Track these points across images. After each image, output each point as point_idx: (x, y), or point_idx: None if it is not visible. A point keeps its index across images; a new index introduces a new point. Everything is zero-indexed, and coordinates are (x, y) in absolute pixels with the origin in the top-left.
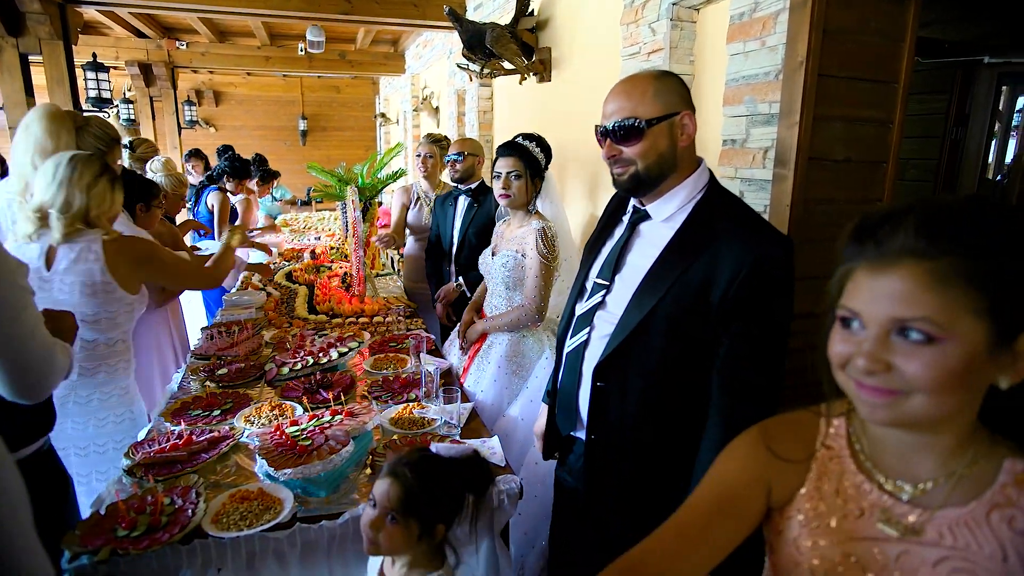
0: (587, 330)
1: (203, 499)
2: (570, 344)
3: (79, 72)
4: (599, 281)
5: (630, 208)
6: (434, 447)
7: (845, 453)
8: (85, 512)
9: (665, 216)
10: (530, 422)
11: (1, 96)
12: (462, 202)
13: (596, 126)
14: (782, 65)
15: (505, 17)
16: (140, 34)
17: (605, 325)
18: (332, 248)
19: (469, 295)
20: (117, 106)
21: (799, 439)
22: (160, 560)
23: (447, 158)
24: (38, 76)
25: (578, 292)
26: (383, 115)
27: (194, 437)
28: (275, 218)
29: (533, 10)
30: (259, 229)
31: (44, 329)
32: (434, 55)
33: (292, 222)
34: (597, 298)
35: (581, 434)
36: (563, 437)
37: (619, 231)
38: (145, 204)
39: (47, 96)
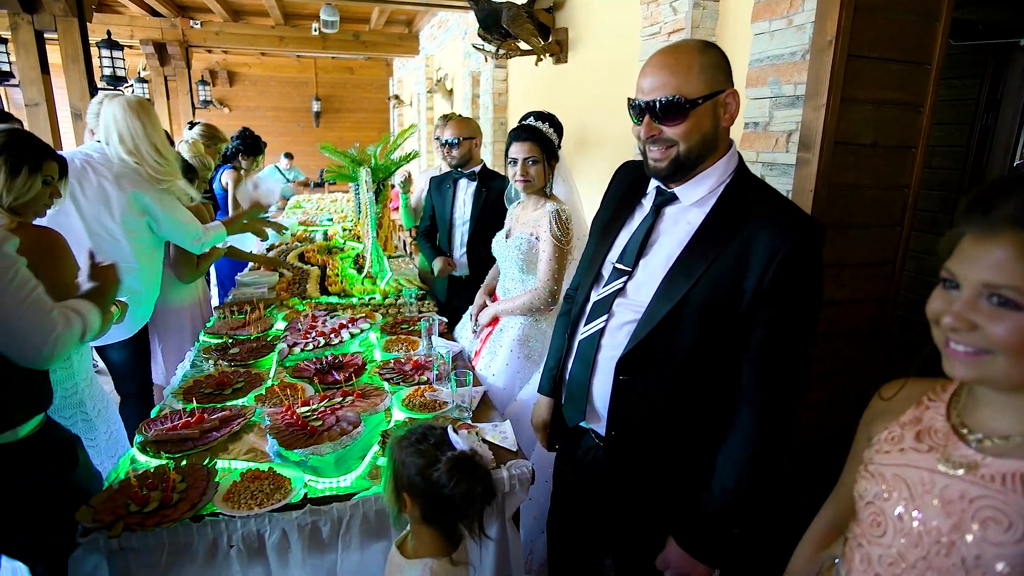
0: (604, 318)
1: (215, 477)
2: (584, 332)
3: (94, 50)
4: (619, 267)
5: (651, 190)
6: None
7: (942, 408)
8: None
9: (695, 200)
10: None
11: (17, 73)
12: (464, 186)
13: (630, 100)
14: (809, 45)
15: None
16: (155, 12)
17: (626, 313)
18: (345, 229)
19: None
20: (132, 85)
21: (910, 393)
22: (172, 536)
23: (442, 141)
24: (53, 54)
25: (594, 277)
26: (397, 97)
27: (206, 416)
28: (287, 199)
29: None
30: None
31: (41, 296)
32: (449, 36)
33: (305, 203)
34: (617, 284)
35: (595, 427)
36: (569, 428)
37: (640, 214)
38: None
39: (62, 74)
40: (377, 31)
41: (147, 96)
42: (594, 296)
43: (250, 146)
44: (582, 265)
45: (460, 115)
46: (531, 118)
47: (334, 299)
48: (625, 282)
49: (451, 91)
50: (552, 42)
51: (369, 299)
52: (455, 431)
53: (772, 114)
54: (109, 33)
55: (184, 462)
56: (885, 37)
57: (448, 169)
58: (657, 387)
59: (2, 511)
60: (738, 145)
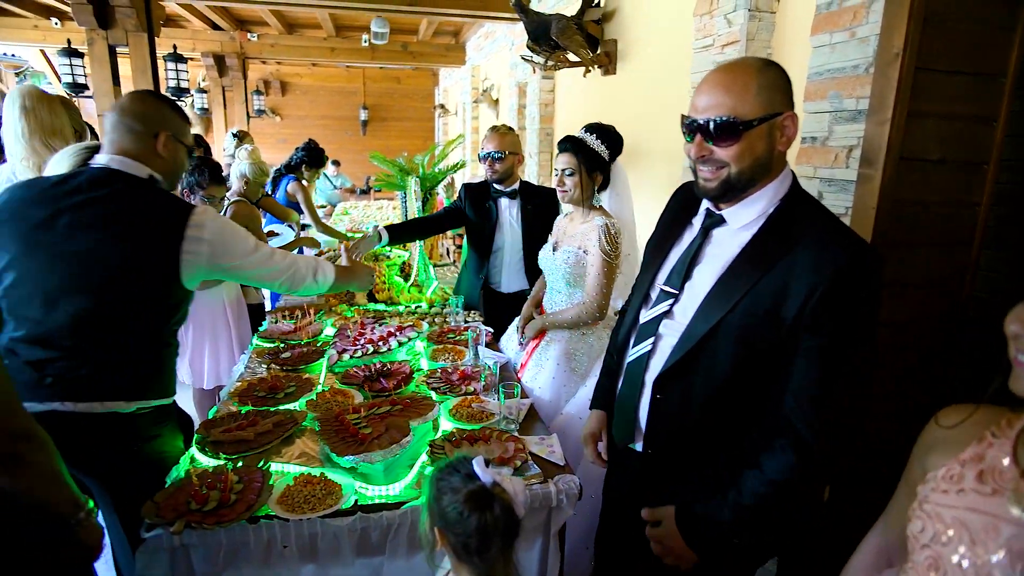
0: (652, 340)
1: (269, 480)
2: (633, 353)
3: (160, 63)
4: (666, 289)
5: (702, 211)
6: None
7: (1007, 447)
8: None
9: (743, 223)
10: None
11: (92, 85)
12: (507, 206)
13: (683, 117)
14: (873, 57)
15: (570, 8)
16: (215, 26)
17: (671, 336)
18: None
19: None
20: (192, 95)
21: (972, 425)
22: (229, 536)
23: (482, 154)
24: (123, 67)
25: (643, 298)
26: (442, 106)
27: (260, 419)
28: (334, 205)
29: (599, 1)
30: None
31: (281, 254)
32: (495, 47)
33: (352, 210)
34: (663, 307)
35: (638, 446)
36: (619, 448)
37: (688, 235)
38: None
39: (132, 85)
40: (425, 42)
41: (206, 105)
42: (643, 318)
43: (314, 158)
44: (634, 286)
45: (506, 127)
46: (583, 129)
47: (381, 306)
48: (672, 304)
49: (497, 101)
50: (601, 53)
51: (416, 307)
52: (487, 464)
53: (832, 129)
54: (175, 47)
55: (240, 463)
56: (955, 48)
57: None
58: (692, 407)
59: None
60: (794, 160)
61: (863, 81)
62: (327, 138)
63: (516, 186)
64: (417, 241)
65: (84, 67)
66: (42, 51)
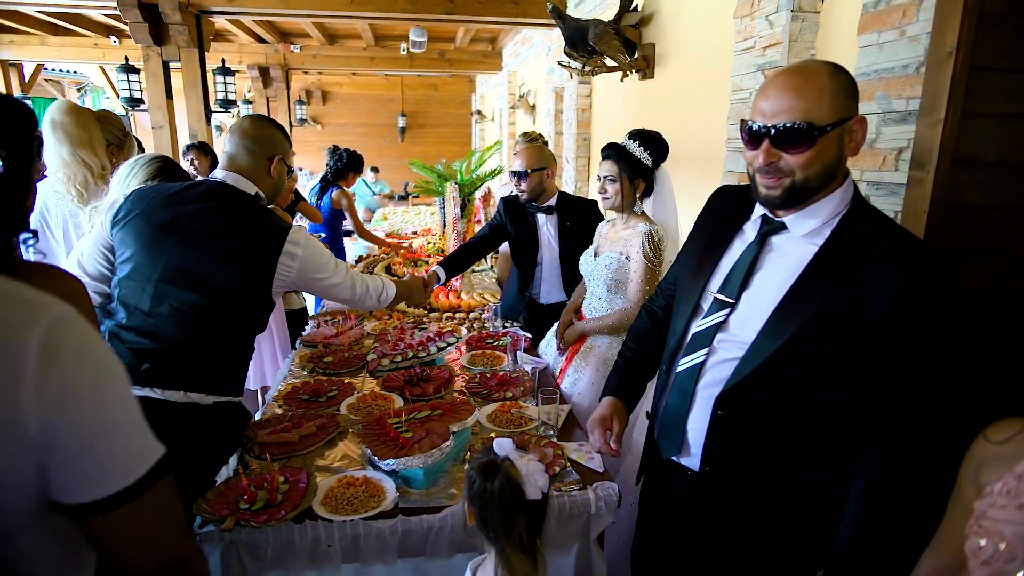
0: (705, 351)
1: (313, 481)
2: (683, 364)
3: (210, 76)
4: (721, 298)
5: (756, 216)
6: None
7: None
8: None
9: (807, 231)
10: (627, 428)
11: (147, 98)
12: (543, 222)
13: (744, 122)
14: (924, 56)
15: (607, 13)
16: (260, 39)
17: (729, 348)
18: (429, 243)
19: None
20: (239, 106)
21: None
22: (276, 534)
23: (510, 171)
24: (176, 80)
25: (693, 307)
26: (479, 112)
27: (304, 422)
28: (373, 211)
29: (637, 5)
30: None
31: (354, 274)
32: (532, 53)
33: (390, 215)
34: (718, 317)
35: (687, 461)
36: (661, 460)
37: (740, 242)
38: None
39: (183, 98)
40: (462, 49)
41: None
42: (694, 328)
43: (354, 164)
44: (680, 288)
45: (533, 139)
46: (627, 135)
47: (420, 311)
48: (727, 314)
49: (533, 106)
50: (638, 58)
51: (454, 312)
52: (516, 447)
53: (880, 131)
54: (223, 61)
55: (281, 465)
56: (1013, 46)
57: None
58: (758, 425)
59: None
60: None
61: (913, 81)
62: (366, 145)
63: (552, 201)
64: (453, 246)
65: (140, 82)
66: (101, 68)
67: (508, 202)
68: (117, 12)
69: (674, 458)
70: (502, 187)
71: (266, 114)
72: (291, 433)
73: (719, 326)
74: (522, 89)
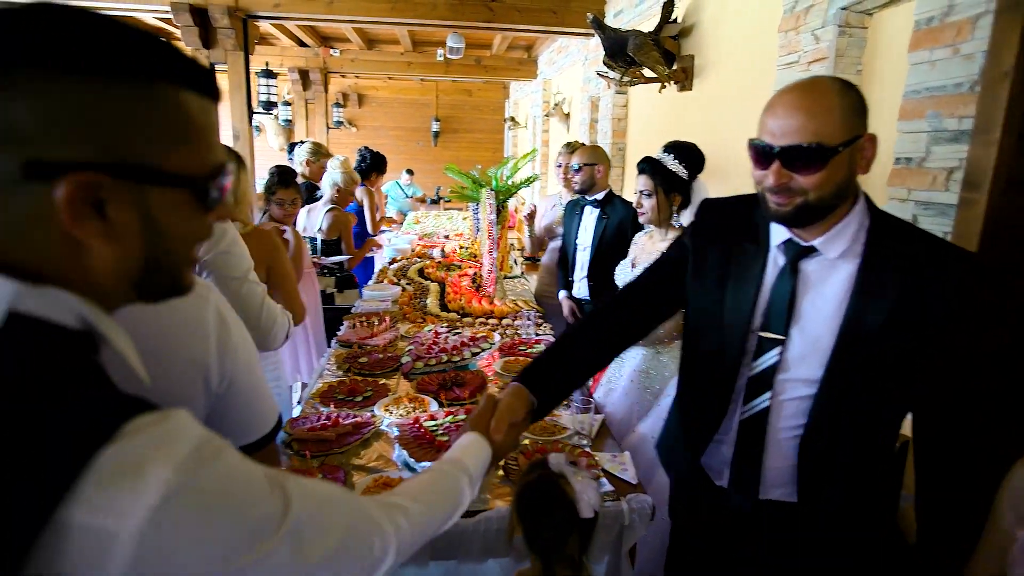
0: (767, 395)
1: (350, 480)
2: (745, 411)
3: (253, 78)
4: (768, 336)
5: (776, 242)
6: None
7: None
8: None
9: (839, 252)
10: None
11: None
12: (589, 212)
13: (752, 142)
14: (979, 76)
15: (646, 24)
16: (301, 43)
17: (795, 387)
18: (461, 247)
19: None
20: (278, 108)
21: None
22: None
23: (571, 167)
24: (220, 82)
25: (738, 349)
26: (512, 119)
27: (340, 420)
28: (405, 214)
29: (677, 17)
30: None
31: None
32: (568, 61)
33: (423, 219)
34: (772, 357)
35: (769, 495)
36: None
37: (761, 267)
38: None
39: (228, 100)
40: (498, 56)
41: (290, 117)
42: (747, 372)
43: (379, 164)
44: (702, 318)
45: (583, 143)
46: (663, 148)
47: (453, 316)
48: (780, 352)
49: (568, 115)
50: (677, 69)
51: (487, 318)
52: (569, 462)
53: (930, 150)
54: (267, 64)
55: (320, 463)
56: None
57: (567, 193)
58: (843, 455)
59: None
60: (888, 181)
61: (966, 100)
62: (399, 148)
63: (600, 196)
64: (489, 252)
65: None
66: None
67: (568, 204)
68: (168, 16)
69: (742, 494)
70: (544, 199)
71: (304, 116)
72: (328, 431)
73: (776, 366)
74: (557, 97)
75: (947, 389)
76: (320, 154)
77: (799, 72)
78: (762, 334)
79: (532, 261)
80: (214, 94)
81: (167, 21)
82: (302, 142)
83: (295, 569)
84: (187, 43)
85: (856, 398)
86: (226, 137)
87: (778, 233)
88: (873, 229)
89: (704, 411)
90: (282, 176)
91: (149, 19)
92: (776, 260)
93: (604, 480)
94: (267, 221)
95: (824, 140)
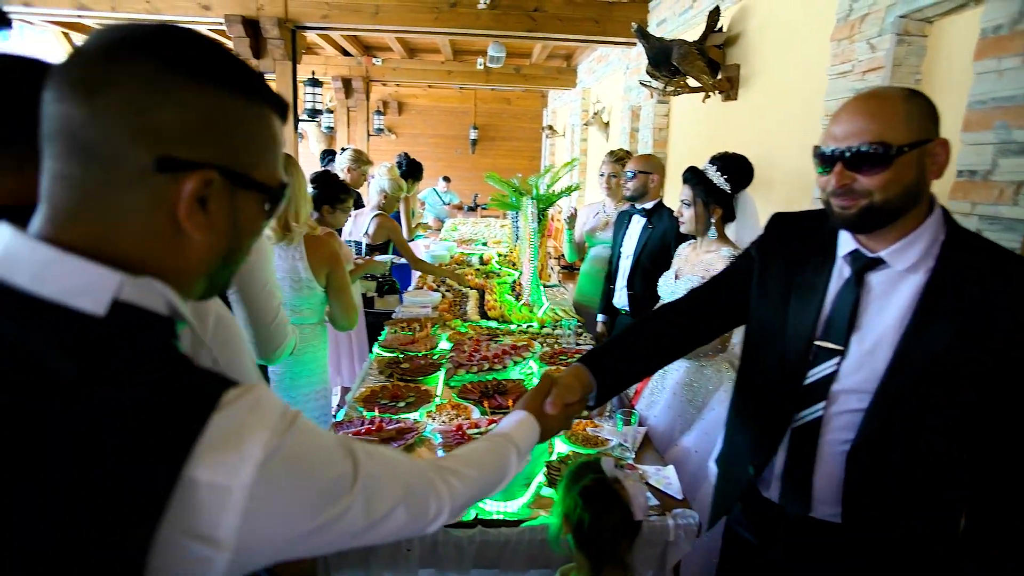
0: (821, 405)
1: None
2: (798, 419)
3: (300, 87)
4: (825, 345)
5: (843, 252)
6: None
7: None
8: None
9: (908, 264)
10: (704, 455)
11: None
12: (636, 221)
13: (816, 148)
14: None
15: (690, 33)
16: (345, 53)
17: (849, 398)
18: (500, 255)
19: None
20: (322, 116)
21: None
22: None
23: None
24: None
25: (798, 358)
26: (550, 127)
27: (384, 425)
28: (443, 221)
29: (722, 26)
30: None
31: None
32: (609, 70)
33: (460, 226)
34: (829, 367)
35: (814, 513)
36: (769, 503)
37: (820, 277)
38: (331, 206)
39: None
40: (537, 64)
41: (332, 124)
42: (804, 380)
43: (414, 170)
44: (764, 329)
45: (620, 158)
46: (709, 160)
47: (493, 323)
48: (838, 363)
49: (607, 124)
50: (722, 79)
51: (527, 326)
52: (617, 466)
53: (996, 162)
54: (313, 73)
55: None
56: None
57: (610, 202)
58: (894, 478)
59: None
60: (949, 194)
61: None
62: (437, 156)
63: (650, 205)
64: (529, 260)
65: None
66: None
67: (620, 213)
68: (221, 27)
69: (798, 511)
70: (584, 208)
71: (346, 123)
72: (373, 436)
73: (832, 376)
74: (596, 106)
75: (1013, 409)
76: (361, 161)
77: (852, 82)
78: (820, 343)
79: (568, 270)
80: (285, 119)
81: (219, 33)
82: (343, 149)
83: (366, 523)
84: (238, 53)
85: (909, 414)
86: None
87: (845, 244)
88: (948, 243)
89: (766, 421)
90: (343, 186)
91: (203, 30)
92: (842, 271)
93: (649, 494)
94: (318, 226)
95: (888, 139)
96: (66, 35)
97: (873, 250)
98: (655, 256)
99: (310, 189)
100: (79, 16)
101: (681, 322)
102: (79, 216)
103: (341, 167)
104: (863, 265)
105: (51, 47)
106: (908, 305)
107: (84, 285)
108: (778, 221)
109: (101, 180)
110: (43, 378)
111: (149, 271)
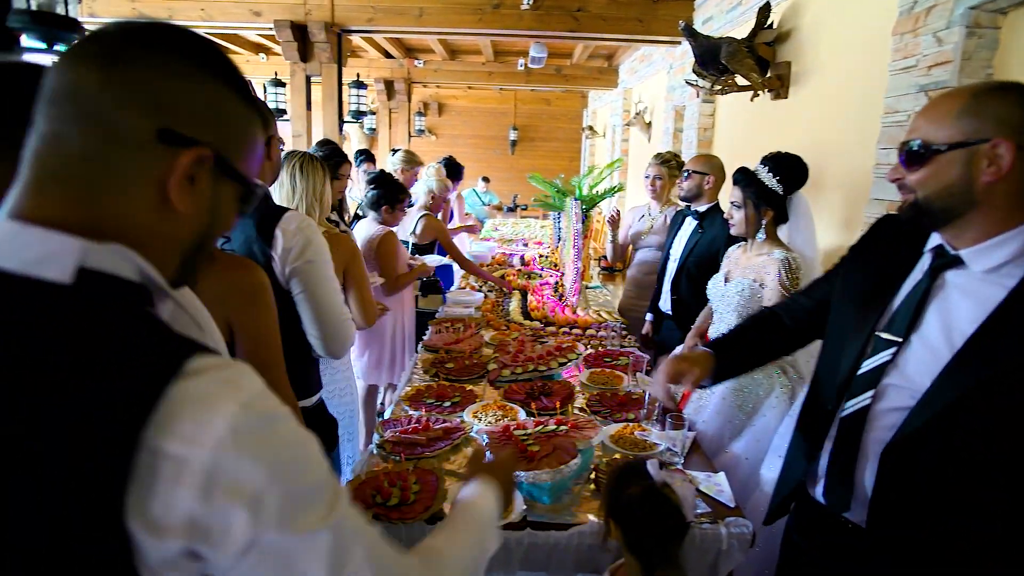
0: (870, 394)
1: (443, 485)
2: (848, 407)
3: (345, 89)
4: (885, 336)
5: (929, 249)
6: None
7: None
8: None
9: (989, 267)
10: (755, 463)
11: (289, 109)
12: (687, 224)
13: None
14: None
15: (738, 30)
16: (388, 55)
17: (898, 393)
18: (541, 256)
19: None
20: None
21: None
22: (408, 533)
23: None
24: (314, 93)
25: (860, 347)
26: (590, 128)
27: (431, 424)
28: (483, 222)
29: (773, 22)
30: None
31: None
32: (651, 70)
33: (500, 226)
34: (883, 357)
35: (851, 516)
36: (822, 511)
37: (911, 275)
38: (391, 206)
39: (321, 110)
40: (578, 65)
41: (374, 126)
42: (859, 368)
43: (454, 171)
44: (839, 326)
45: (666, 161)
46: (761, 160)
47: (536, 324)
48: (894, 354)
49: (649, 124)
50: (772, 76)
51: (571, 328)
52: (660, 467)
53: None
54: (358, 75)
55: (414, 466)
56: None
57: (655, 205)
58: (930, 482)
59: None
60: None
61: None
62: (477, 156)
63: (703, 208)
64: (573, 261)
65: (285, 94)
66: (248, 82)
67: (676, 213)
68: (269, 32)
69: (843, 513)
70: (630, 211)
71: (387, 124)
72: (420, 435)
73: (885, 368)
74: (638, 106)
75: None
76: (413, 163)
77: (916, 77)
78: (880, 334)
79: (609, 271)
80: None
81: (268, 37)
82: (394, 151)
83: (331, 570)
84: (287, 57)
85: (956, 424)
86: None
87: (933, 239)
88: None
89: (819, 409)
90: (402, 187)
91: (252, 36)
92: (923, 266)
93: (700, 501)
94: (377, 225)
95: (929, 138)
96: None
97: (956, 247)
98: (702, 262)
99: (371, 191)
100: None
101: (784, 321)
102: (64, 180)
103: (394, 168)
104: (941, 262)
105: None
106: (983, 310)
107: (46, 253)
108: (882, 221)
109: (97, 145)
110: (15, 349)
111: (125, 241)
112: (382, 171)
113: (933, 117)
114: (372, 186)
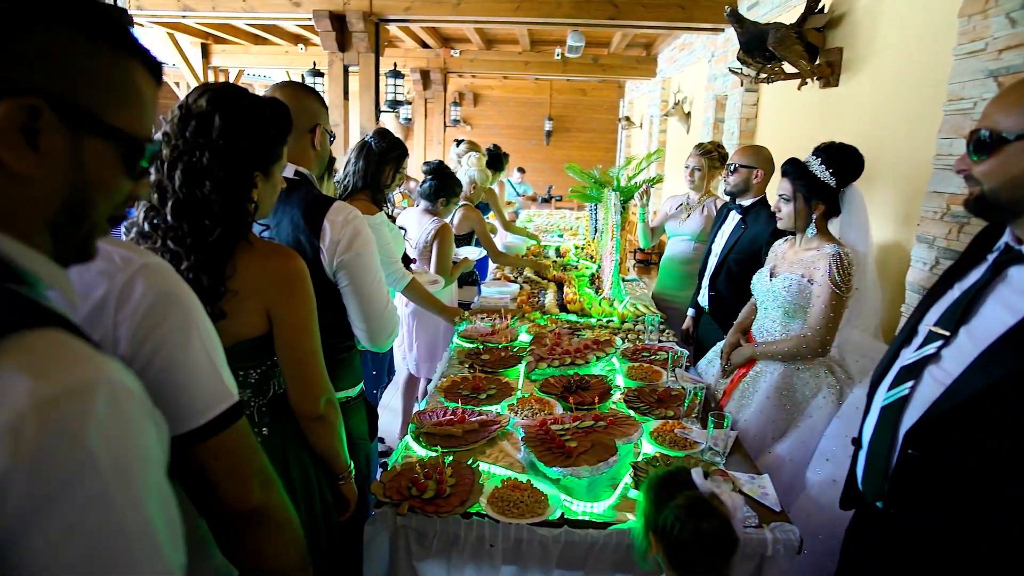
0: (910, 384)
1: (479, 479)
2: (887, 396)
3: (382, 79)
4: (936, 330)
5: (1000, 245)
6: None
7: None
8: None
9: None
10: (800, 464)
11: (327, 99)
12: (731, 218)
13: None
14: None
15: (786, 16)
16: (424, 45)
17: (936, 384)
18: (577, 247)
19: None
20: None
21: None
22: (444, 526)
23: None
24: (351, 83)
25: (905, 337)
26: (627, 118)
27: (467, 416)
28: (517, 213)
29: (823, 7)
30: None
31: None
32: (691, 59)
33: (535, 217)
34: (930, 349)
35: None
36: (866, 504)
37: (971, 275)
38: (447, 199)
39: (358, 99)
40: (615, 54)
41: (410, 116)
42: (903, 358)
43: (494, 162)
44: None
45: (708, 151)
46: (813, 151)
47: (572, 317)
48: (940, 347)
49: (688, 114)
50: (822, 64)
51: (607, 321)
52: (705, 476)
53: None
54: (395, 65)
55: (450, 458)
56: None
57: (694, 195)
58: (952, 473)
59: None
60: None
61: None
62: (511, 147)
63: (748, 202)
64: (611, 253)
65: (323, 84)
66: (287, 72)
67: (722, 206)
68: (307, 23)
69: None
70: (668, 200)
71: (423, 115)
72: (455, 427)
73: (929, 359)
74: (677, 96)
75: None
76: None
77: (985, 62)
78: (931, 326)
79: (644, 264)
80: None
81: (306, 28)
82: (458, 142)
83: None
84: (325, 47)
85: (983, 416)
86: (354, 134)
87: (1006, 235)
88: None
89: (869, 399)
90: (458, 180)
91: (290, 27)
92: (987, 264)
93: (747, 507)
94: (430, 217)
95: (999, 126)
96: (171, 35)
97: (1021, 243)
98: (742, 259)
99: (429, 181)
100: (183, 17)
101: None
102: None
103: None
104: (1006, 257)
105: (158, 46)
106: None
107: None
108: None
109: None
110: None
111: None
112: (440, 162)
113: (1004, 105)
114: (431, 176)
